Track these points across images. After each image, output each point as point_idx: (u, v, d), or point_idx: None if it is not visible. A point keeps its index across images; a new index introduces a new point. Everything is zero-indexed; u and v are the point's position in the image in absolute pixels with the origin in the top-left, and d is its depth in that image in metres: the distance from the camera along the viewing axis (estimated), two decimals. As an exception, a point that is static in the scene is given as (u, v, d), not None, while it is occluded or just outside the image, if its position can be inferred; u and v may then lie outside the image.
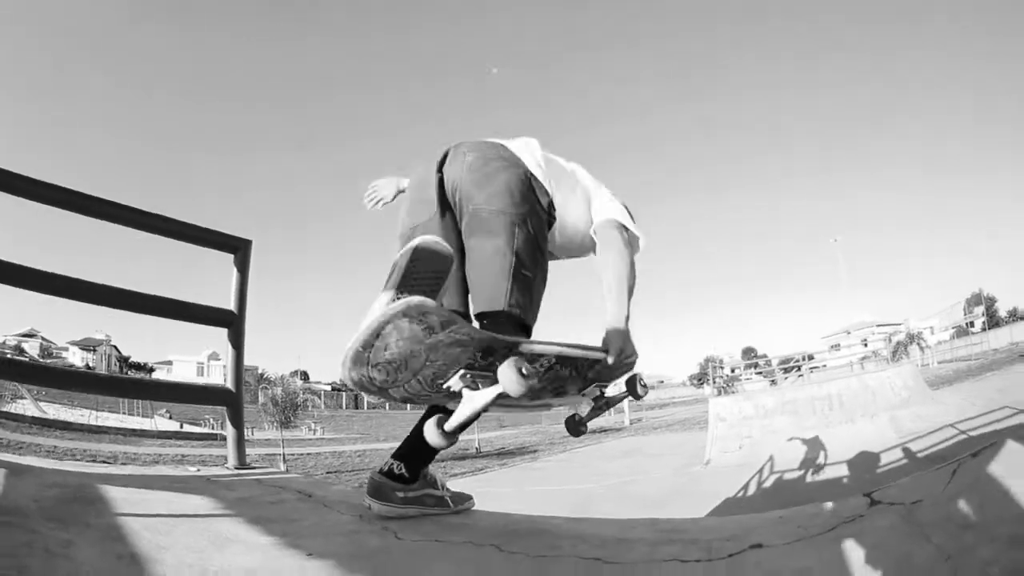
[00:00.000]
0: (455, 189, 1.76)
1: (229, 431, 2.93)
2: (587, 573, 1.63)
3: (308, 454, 17.56)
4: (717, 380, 27.56)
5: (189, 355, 63.85)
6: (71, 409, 20.19)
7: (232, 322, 2.98)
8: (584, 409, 1.96)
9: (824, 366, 31.95)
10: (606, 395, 1.90)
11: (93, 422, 19.10)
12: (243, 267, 3.05)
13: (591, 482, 12.06)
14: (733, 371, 40.44)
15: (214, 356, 60.17)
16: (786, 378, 27.35)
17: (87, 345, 62.28)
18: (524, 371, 1.33)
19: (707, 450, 13.71)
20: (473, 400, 1.41)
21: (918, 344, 37.16)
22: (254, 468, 2.93)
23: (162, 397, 3.19)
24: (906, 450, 11.19)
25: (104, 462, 10.05)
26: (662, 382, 71.17)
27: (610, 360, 1.67)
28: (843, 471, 10.70)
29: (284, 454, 14.09)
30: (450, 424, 1.47)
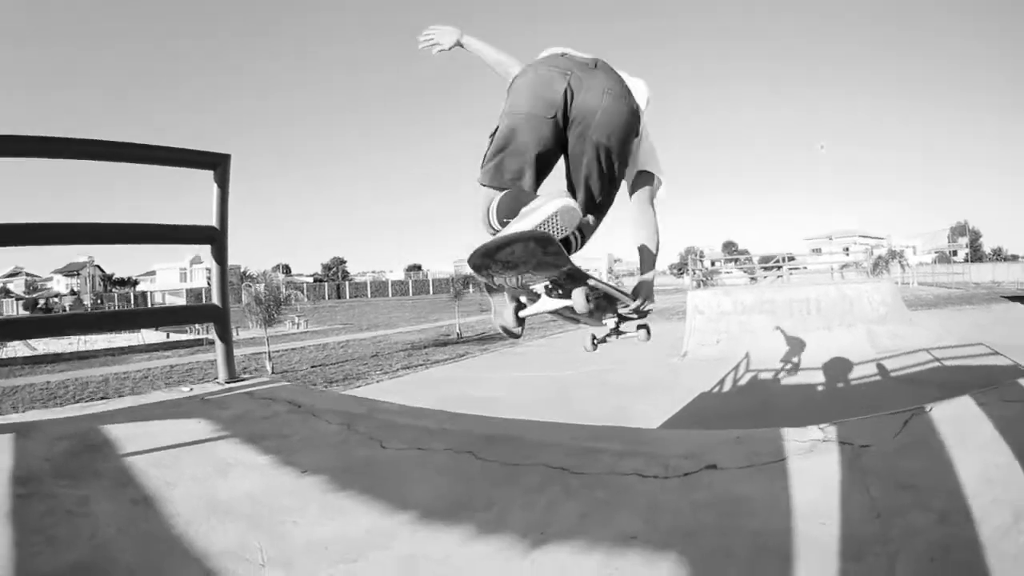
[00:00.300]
0: (584, 112, 1.83)
1: (218, 346, 3.00)
2: (552, 482, 1.79)
3: (293, 349, 17.68)
4: (697, 272, 27.75)
5: (171, 262, 63.90)
6: (59, 339, 20.22)
7: (215, 238, 2.98)
8: (601, 333, 2.38)
9: (805, 268, 31.97)
10: (620, 329, 2.27)
11: (82, 348, 19.23)
12: (223, 182, 3.01)
13: (571, 369, 12.08)
14: (713, 264, 40.69)
15: (196, 260, 60.26)
16: (765, 276, 27.53)
17: (70, 271, 62.35)
18: (588, 298, 1.76)
19: (685, 342, 13.73)
20: (547, 303, 1.91)
21: (899, 262, 36.46)
22: (244, 379, 3.03)
23: (150, 324, 3.21)
24: (880, 367, 10.98)
25: (99, 396, 10.14)
26: None
27: (634, 305, 2.00)
28: (818, 377, 10.69)
29: (269, 352, 14.35)
30: (524, 313, 2.05)
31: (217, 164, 2.99)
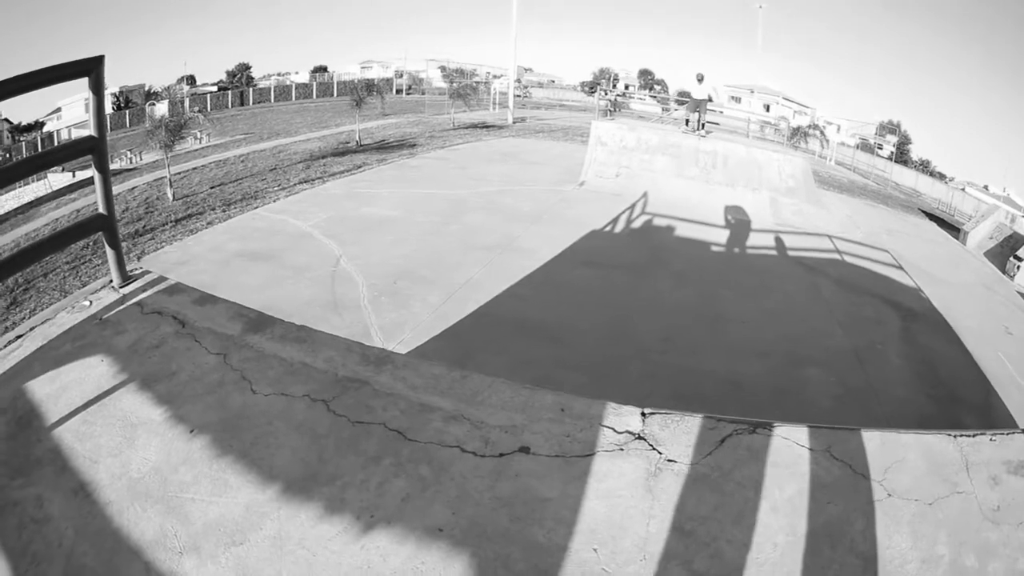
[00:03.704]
0: None
1: (109, 252, 3.05)
2: (387, 451, 2.07)
3: (194, 169, 17.07)
4: (609, 92, 27.11)
5: (76, 94, 54.79)
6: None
7: (95, 147, 2.87)
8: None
9: (721, 111, 31.19)
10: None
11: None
12: (98, 87, 2.83)
13: (466, 187, 11.95)
14: (627, 87, 39.49)
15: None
16: (677, 109, 27.21)
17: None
18: None
19: (584, 171, 13.56)
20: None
21: (820, 136, 35.18)
22: (133, 277, 3.12)
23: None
24: (779, 240, 10.63)
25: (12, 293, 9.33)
26: (553, 81, 68.45)
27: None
28: (712, 235, 10.42)
29: (170, 178, 13.56)
30: None
31: (91, 69, 2.79)
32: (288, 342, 2.70)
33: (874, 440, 2.00)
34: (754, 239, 10.65)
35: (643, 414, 2.15)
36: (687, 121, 13.67)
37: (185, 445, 2.10)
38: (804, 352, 6.63)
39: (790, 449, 1.96)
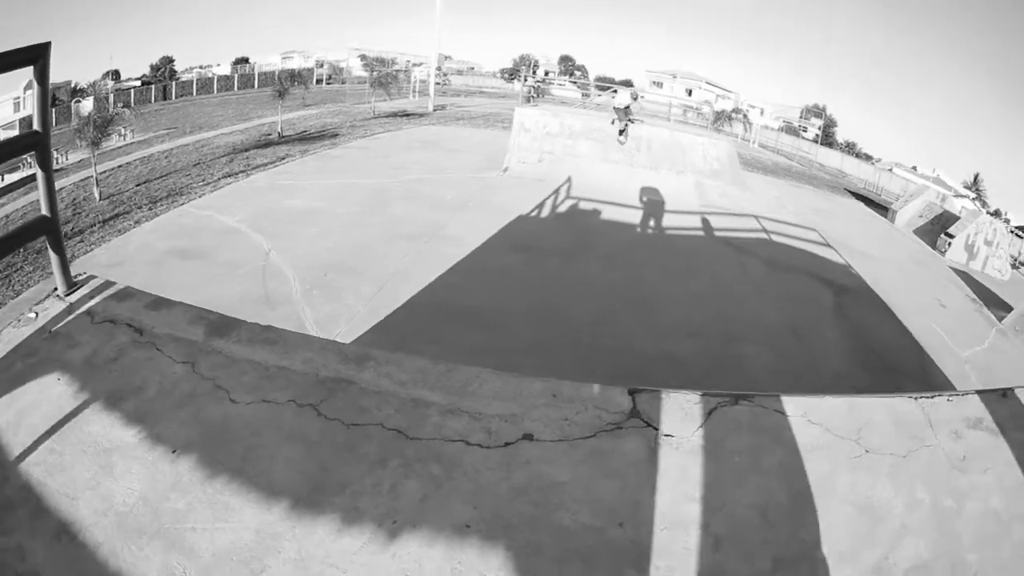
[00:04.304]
0: None
1: (53, 258, 2.78)
2: (390, 452, 1.97)
3: (119, 167, 16.14)
4: (529, 79, 27.02)
5: (4, 94, 49.27)
6: None
7: (38, 143, 2.60)
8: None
9: (643, 96, 30.87)
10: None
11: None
12: (43, 77, 2.55)
13: (387, 177, 11.56)
14: (547, 74, 39.55)
15: (29, 86, 46.66)
16: (600, 95, 27.21)
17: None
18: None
19: (507, 157, 13.28)
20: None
21: (744, 120, 34.97)
22: (79, 285, 2.86)
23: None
24: (706, 222, 10.64)
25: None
26: (472, 69, 67.82)
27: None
28: (640, 218, 10.40)
29: (96, 177, 12.67)
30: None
31: (38, 57, 2.52)
32: (258, 344, 2.53)
33: (842, 405, 2.14)
34: (680, 221, 10.77)
35: (631, 393, 2.18)
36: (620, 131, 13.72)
37: (170, 468, 1.91)
38: (737, 330, 6.72)
39: (771, 417, 2.07)
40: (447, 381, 2.33)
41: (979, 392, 2.19)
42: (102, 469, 1.90)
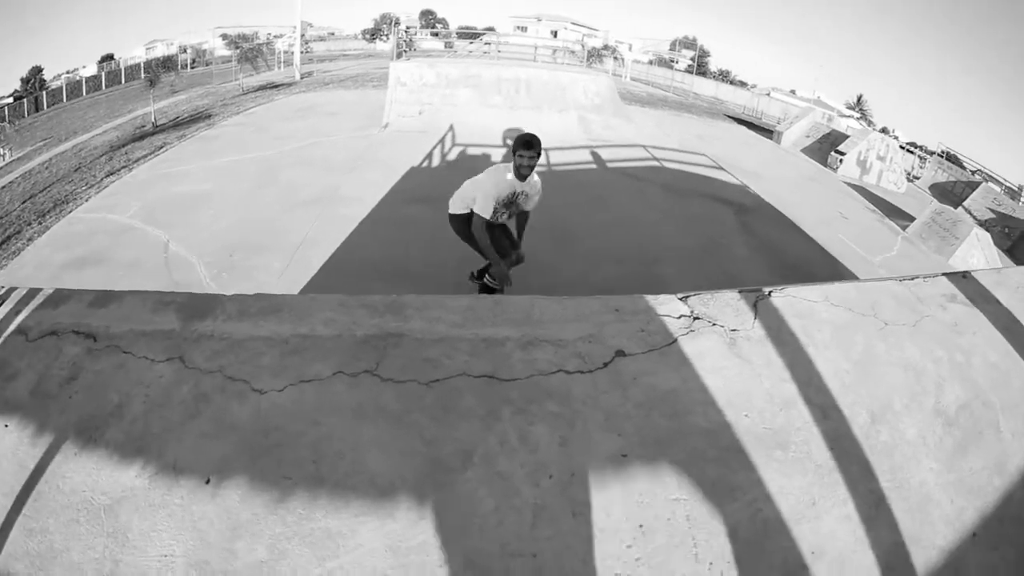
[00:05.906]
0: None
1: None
2: (494, 402, 1.57)
3: (3, 188, 13.49)
4: (401, 34, 24.61)
5: None
6: None
7: None
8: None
9: (507, 43, 28.62)
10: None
11: None
12: None
13: (271, 148, 10.35)
14: (408, 29, 36.56)
15: None
16: (470, 51, 25.56)
17: None
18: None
19: (386, 113, 12.09)
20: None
21: (614, 56, 32.76)
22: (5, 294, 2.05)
23: None
24: (596, 155, 10.20)
25: None
26: (332, 34, 62.35)
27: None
28: None
29: None
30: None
31: None
32: (258, 317, 1.92)
33: (851, 290, 2.21)
34: (572, 156, 10.16)
35: (681, 299, 2.04)
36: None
37: (214, 506, 1.29)
38: (655, 253, 6.30)
39: (802, 304, 2.07)
40: (505, 314, 1.95)
41: (945, 274, 2.37)
42: (112, 538, 1.25)
